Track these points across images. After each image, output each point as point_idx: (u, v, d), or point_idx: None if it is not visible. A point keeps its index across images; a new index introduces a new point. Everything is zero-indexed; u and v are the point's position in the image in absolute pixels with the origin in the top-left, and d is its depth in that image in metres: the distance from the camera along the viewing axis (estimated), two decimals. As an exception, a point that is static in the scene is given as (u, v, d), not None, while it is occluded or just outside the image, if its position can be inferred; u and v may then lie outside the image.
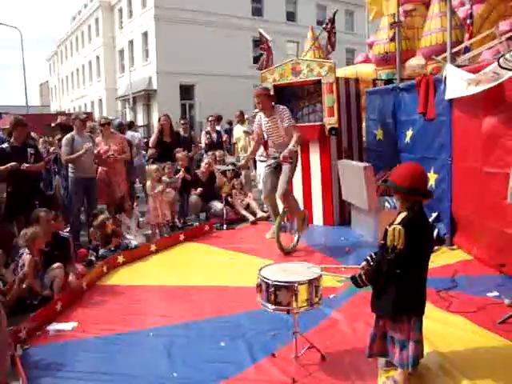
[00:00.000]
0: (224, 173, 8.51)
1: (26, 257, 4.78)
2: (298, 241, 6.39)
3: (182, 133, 9.25)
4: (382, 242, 2.94)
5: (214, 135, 10.50)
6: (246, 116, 11.56)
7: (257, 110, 9.51)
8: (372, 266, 3.04)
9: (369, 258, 3.12)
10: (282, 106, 6.04)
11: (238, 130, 10.91)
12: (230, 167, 8.40)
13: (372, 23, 12.82)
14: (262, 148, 8.29)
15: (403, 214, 2.89)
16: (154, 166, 7.75)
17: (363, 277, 3.03)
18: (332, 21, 8.38)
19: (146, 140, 12.05)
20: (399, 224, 2.83)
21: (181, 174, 8.10)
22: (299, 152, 7.42)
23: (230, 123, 14.72)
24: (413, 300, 2.93)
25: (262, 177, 6.44)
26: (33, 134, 9.03)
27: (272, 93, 6.86)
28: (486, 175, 5.14)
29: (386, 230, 2.89)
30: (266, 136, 6.18)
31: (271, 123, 6.01)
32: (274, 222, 6.33)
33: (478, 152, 5.31)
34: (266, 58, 8.52)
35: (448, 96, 5.74)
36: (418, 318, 2.94)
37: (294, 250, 6.27)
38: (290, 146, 5.80)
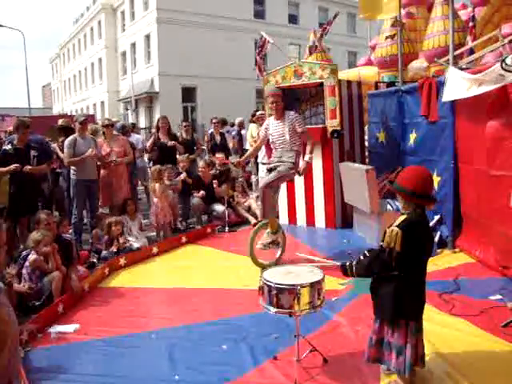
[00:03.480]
0: (220, 177, 8.46)
1: (31, 257, 4.87)
2: (280, 256, 5.93)
3: (184, 135, 9.26)
4: (381, 242, 2.93)
5: (218, 138, 10.49)
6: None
7: (260, 113, 9.58)
8: (365, 260, 3.01)
9: (366, 252, 3.09)
10: (292, 112, 5.92)
11: (255, 129, 10.31)
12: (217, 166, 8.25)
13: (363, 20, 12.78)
14: (263, 151, 8.28)
15: (403, 217, 2.89)
16: (157, 167, 7.84)
17: (353, 267, 3.03)
18: (330, 22, 8.34)
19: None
20: (397, 226, 2.83)
21: (181, 177, 8.14)
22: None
23: (232, 125, 14.70)
24: (411, 304, 2.90)
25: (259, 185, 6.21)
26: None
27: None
28: (491, 178, 5.13)
29: (386, 231, 2.90)
30: (270, 139, 6.02)
31: (279, 127, 5.83)
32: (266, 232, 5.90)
33: (482, 154, 5.29)
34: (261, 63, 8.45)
35: (446, 98, 5.69)
36: (415, 323, 2.91)
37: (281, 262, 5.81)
38: (307, 159, 5.66)
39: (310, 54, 10.04)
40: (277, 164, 5.83)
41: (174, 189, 8.09)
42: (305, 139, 5.86)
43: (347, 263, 3.09)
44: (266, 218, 5.81)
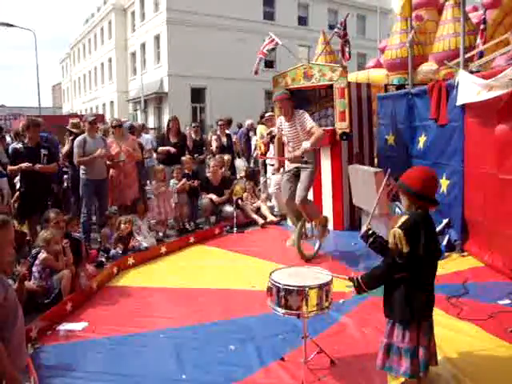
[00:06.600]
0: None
1: (41, 255, 4.90)
2: (319, 248, 6.31)
3: (193, 136, 9.29)
4: (389, 245, 2.93)
5: (224, 139, 10.50)
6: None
7: (268, 114, 9.58)
8: (369, 272, 3.00)
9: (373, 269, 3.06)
10: (300, 110, 5.96)
11: (263, 131, 10.14)
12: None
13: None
14: (272, 153, 8.28)
15: (404, 217, 2.87)
16: (160, 167, 8.17)
17: (360, 281, 2.97)
18: (344, 27, 8.24)
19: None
20: (399, 227, 2.81)
21: (183, 183, 8.14)
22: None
23: (240, 126, 14.66)
24: (422, 304, 2.88)
25: (282, 183, 6.29)
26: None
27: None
28: (501, 181, 5.10)
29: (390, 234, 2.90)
30: (286, 140, 6.09)
31: (291, 128, 5.93)
32: (293, 229, 6.25)
33: (492, 158, 5.28)
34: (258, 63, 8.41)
35: (459, 102, 5.72)
36: (426, 324, 2.89)
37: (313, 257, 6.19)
38: (304, 145, 5.67)
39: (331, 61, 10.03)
40: (298, 166, 5.96)
41: (180, 189, 8.11)
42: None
43: (355, 277, 3.03)
44: (314, 219, 6.16)
